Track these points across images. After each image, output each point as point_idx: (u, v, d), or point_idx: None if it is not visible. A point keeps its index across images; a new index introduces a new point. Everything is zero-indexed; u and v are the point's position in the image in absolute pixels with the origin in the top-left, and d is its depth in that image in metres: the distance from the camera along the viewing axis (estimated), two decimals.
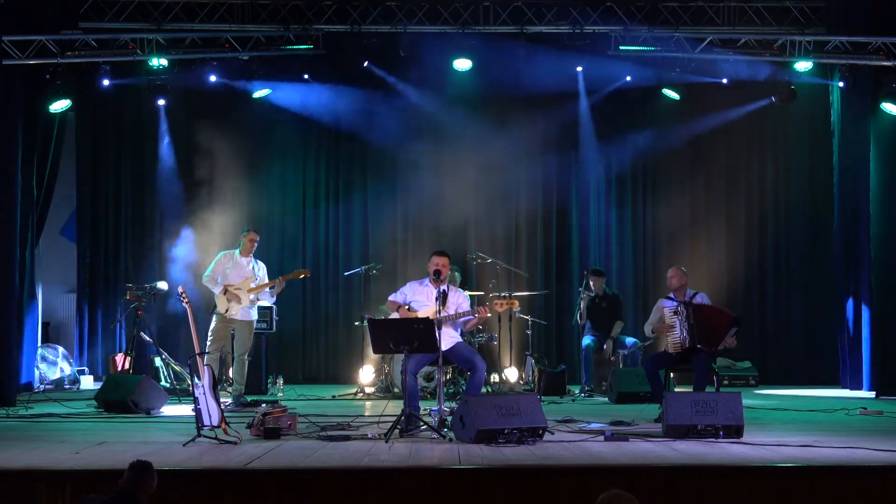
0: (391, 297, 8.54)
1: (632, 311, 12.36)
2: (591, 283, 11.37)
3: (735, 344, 8.72)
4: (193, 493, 5.63)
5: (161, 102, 12.18)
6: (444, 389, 9.18)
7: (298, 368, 12.89)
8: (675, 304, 8.76)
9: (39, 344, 11.59)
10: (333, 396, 11.06)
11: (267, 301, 10.55)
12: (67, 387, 11.69)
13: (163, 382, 10.96)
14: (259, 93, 12.36)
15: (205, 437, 6.92)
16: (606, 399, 10.51)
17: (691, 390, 8.37)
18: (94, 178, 13.03)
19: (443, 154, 12.69)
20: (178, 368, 11.23)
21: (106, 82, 11.35)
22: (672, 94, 12.54)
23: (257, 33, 11.47)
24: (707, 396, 7.52)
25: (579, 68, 12.37)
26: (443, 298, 7.89)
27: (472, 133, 12.67)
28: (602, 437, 7.14)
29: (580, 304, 11.25)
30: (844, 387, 11.73)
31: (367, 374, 11.28)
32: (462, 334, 8.86)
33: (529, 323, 11.37)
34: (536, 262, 13.07)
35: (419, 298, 8.34)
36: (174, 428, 7.87)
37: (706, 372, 8.56)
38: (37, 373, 11.28)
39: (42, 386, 11.37)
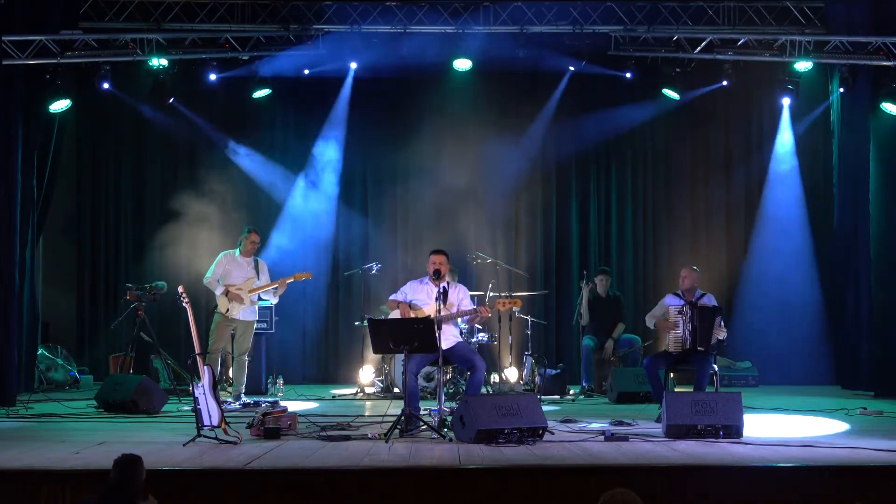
0: (392, 297, 8.56)
1: (632, 311, 12.34)
2: (598, 282, 11.38)
3: (725, 333, 8.76)
4: (193, 493, 5.63)
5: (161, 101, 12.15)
6: (444, 389, 9.18)
7: (298, 368, 12.88)
8: (681, 302, 8.78)
9: (39, 344, 11.58)
10: (333, 396, 11.06)
11: (270, 301, 10.54)
12: (67, 387, 11.68)
13: (163, 382, 10.96)
14: (259, 93, 12.36)
15: (205, 437, 6.92)
16: (606, 399, 10.52)
17: (691, 390, 8.38)
18: (94, 178, 13.03)
19: (443, 153, 12.68)
20: (178, 368, 11.22)
21: (106, 86, 11.36)
22: (672, 95, 12.54)
23: (257, 33, 11.47)
24: (707, 396, 7.53)
25: (571, 68, 12.34)
26: (443, 296, 7.90)
27: (472, 133, 12.66)
28: (602, 437, 7.15)
29: (580, 303, 11.25)
30: (844, 387, 11.73)
31: (367, 374, 11.28)
32: (462, 333, 8.87)
33: (529, 323, 11.36)
34: (536, 262, 13.07)
35: (420, 297, 8.36)
36: (174, 428, 7.88)
37: (706, 372, 8.57)
38: (37, 373, 11.27)
39: (42, 386, 11.37)
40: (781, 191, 13.18)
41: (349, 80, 12.62)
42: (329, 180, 13.15)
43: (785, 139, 12.85)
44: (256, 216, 12.59)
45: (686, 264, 9.68)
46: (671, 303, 8.89)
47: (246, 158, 12.95)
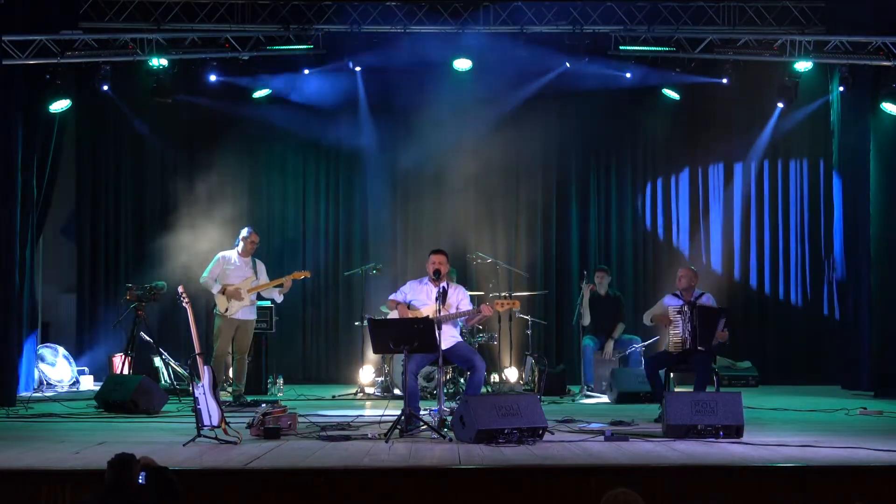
0: (391, 297, 8.55)
1: (632, 311, 12.34)
2: (596, 279, 11.38)
3: (727, 336, 8.73)
4: (193, 493, 5.62)
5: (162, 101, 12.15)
6: (444, 389, 9.18)
7: (298, 368, 12.88)
8: (680, 302, 8.77)
9: (39, 344, 11.57)
10: (333, 396, 11.06)
11: (276, 299, 10.51)
12: (67, 387, 11.68)
13: (163, 382, 10.96)
14: (259, 93, 12.36)
15: (205, 437, 6.92)
16: (606, 399, 10.52)
17: (691, 390, 8.37)
18: (94, 178, 13.03)
19: (443, 154, 12.68)
20: (178, 368, 11.23)
21: (105, 88, 11.36)
22: (672, 94, 12.55)
23: (257, 33, 11.47)
24: (707, 396, 7.52)
25: (568, 64, 12.32)
26: (443, 296, 7.90)
27: (472, 133, 12.67)
28: (602, 437, 7.14)
29: (580, 303, 11.25)
30: (844, 387, 11.72)
31: (367, 374, 11.28)
32: (462, 333, 8.86)
33: (529, 323, 11.36)
34: (536, 262, 13.07)
35: (419, 297, 8.35)
36: (174, 428, 7.88)
37: (706, 372, 8.56)
38: (37, 373, 11.27)
39: (42, 386, 11.37)
40: (782, 190, 13.20)
41: (348, 80, 12.60)
42: (329, 179, 13.16)
43: (763, 140, 12.90)
44: (257, 216, 12.59)
45: (686, 264, 9.68)
46: (670, 303, 8.88)
47: (246, 158, 12.95)
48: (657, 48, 11.65)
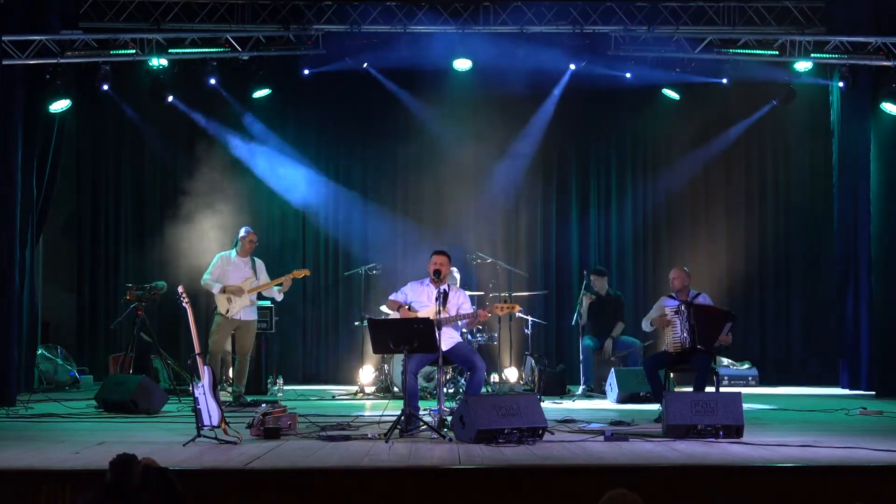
0: (392, 297, 8.55)
1: (632, 311, 12.35)
2: (594, 282, 11.38)
3: (730, 341, 8.72)
4: (193, 493, 5.62)
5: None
6: (444, 389, 9.18)
7: (298, 368, 12.88)
8: (676, 303, 8.76)
9: (39, 344, 11.57)
10: (333, 396, 11.06)
11: (276, 298, 10.50)
12: (67, 387, 11.68)
13: (163, 382, 10.96)
14: (259, 93, 12.37)
15: (205, 437, 6.92)
16: (606, 399, 10.52)
17: (691, 390, 8.37)
18: (94, 178, 13.04)
19: (443, 154, 12.69)
20: (178, 368, 11.22)
21: (105, 87, 11.36)
22: (672, 94, 12.55)
23: (257, 33, 11.46)
24: (707, 396, 7.52)
25: (572, 66, 12.30)
26: (443, 298, 7.90)
27: (472, 133, 12.67)
28: (602, 437, 7.14)
29: (580, 303, 11.25)
30: (844, 387, 11.73)
31: (367, 374, 11.29)
32: (462, 333, 8.86)
33: (529, 323, 11.36)
34: (536, 262, 13.07)
35: (420, 299, 8.35)
36: (174, 428, 7.88)
37: (706, 372, 8.56)
38: (37, 373, 11.27)
39: (42, 386, 11.37)
40: (782, 190, 13.21)
41: (348, 81, 12.59)
42: (329, 180, 13.17)
43: (737, 131, 12.92)
44: (257, 216, 12.59)
45: (686, 264, 9.68)
46: (668, 304, 8.88)
47: (246, 158, 12.95)
48: (657, 48, 11.66)
